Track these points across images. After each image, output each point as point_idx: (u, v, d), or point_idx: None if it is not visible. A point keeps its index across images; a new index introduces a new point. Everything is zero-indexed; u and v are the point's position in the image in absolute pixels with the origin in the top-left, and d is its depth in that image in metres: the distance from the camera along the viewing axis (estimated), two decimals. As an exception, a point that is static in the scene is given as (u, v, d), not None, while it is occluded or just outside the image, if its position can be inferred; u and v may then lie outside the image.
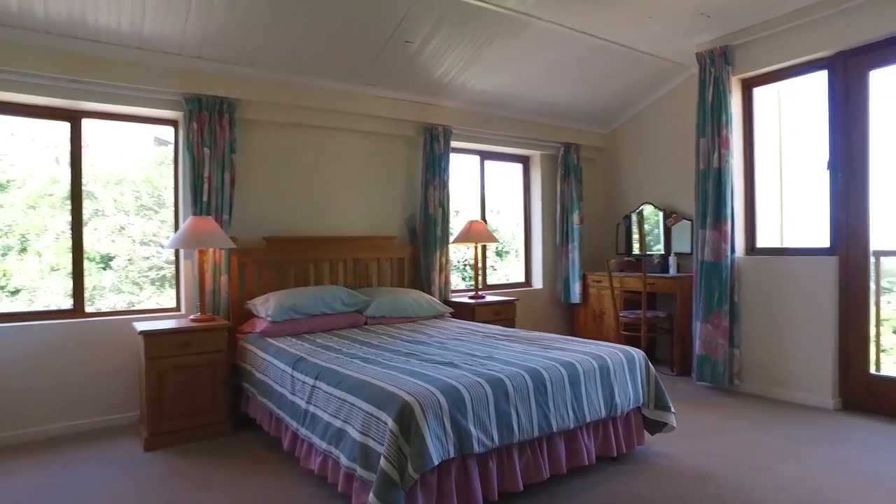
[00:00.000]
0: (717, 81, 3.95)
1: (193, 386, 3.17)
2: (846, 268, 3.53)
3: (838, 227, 3.59)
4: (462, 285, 5.49)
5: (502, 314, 4.54)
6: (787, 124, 4.17)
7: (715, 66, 3.96)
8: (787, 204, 4.17)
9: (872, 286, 3.49)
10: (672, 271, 4.77)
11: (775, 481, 2.52)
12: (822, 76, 3.69)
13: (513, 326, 4.55)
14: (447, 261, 4.63)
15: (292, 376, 2.77)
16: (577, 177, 5.34)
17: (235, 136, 3.65)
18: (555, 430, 2.45)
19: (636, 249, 5.31)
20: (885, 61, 3.41)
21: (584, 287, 5.35)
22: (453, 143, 4.67)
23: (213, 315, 3.47)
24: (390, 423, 2.03)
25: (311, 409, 2.53)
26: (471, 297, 4.60)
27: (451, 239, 4.70)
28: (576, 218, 5.32)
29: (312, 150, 4.16)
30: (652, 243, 5.18)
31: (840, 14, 3.46)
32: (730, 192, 3.92)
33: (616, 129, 5.59)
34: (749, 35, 3.86)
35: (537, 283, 5.51)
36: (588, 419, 2.58)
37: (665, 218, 4.99)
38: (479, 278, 4.79)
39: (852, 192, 3.51)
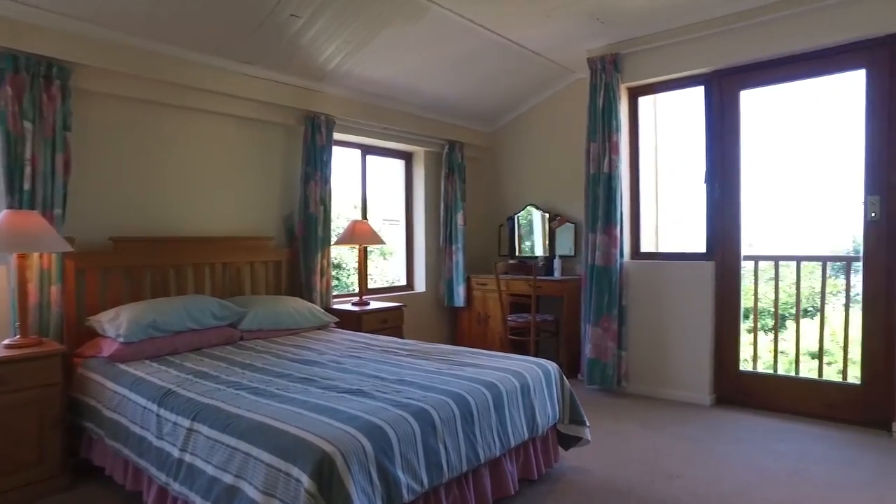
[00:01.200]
0: (608, 88, 4.01)
1: (11, 435, 2.42)
2: (721, 272, 3.77)
3: (714, 234, 3.82)
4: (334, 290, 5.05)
5: (389, 322, 4.22)
6: (666, 134, 4.38)
7: (605, 72, 4.01)
8: (667, 210, 4.39)
9: (746, 284, 3.77)
10: (557, 274, 4.81)
11: (686, 486, 2.54)
12: (699, 92, 3.90)
13: (401, 334, 4.25)
14: (329, 264, 4.18)
15: (158, 415, 2.20)
16: (460, 176, 5.18)
17: (70, 110, 2.87)
18: (482, 460, 2.20)
19: (520, 251, 5.30)
20: (754, 83, 3.69)
21: (469, 290, 5.22)
22: (335, 135, 4.23)
23: (39, 338, 2.69)
24: (305, 480, 1.62)
25: (188, 458, 2.01)
26: (354, 304, 4.22)
27: (334, 240, 4.27)
28: (459, 218, 5.15)
29: (174, 134, 3.47)
30: (535, 246, 5.20)
31: (716, 35, 3.66)
32: (619, 196, 4.00)
33: (500, 129, 5.53)
34: (637, 45, 3.96)
35: (420, 286, 5.26)
36: (512, 443, 2.38)
37: (549, 220, 5.03)
38: (363, 283, 4.41)
39: (726, 202, 3.75)
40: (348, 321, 3.99)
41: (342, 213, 5.10)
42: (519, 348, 4.93)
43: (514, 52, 4.16)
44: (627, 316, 4.06)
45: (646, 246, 4.28)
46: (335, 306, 4.18)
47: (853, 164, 3.35)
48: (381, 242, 4.33)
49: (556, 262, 4.84)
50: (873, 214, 3.22)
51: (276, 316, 3.45)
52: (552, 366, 2.77)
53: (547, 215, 5.06)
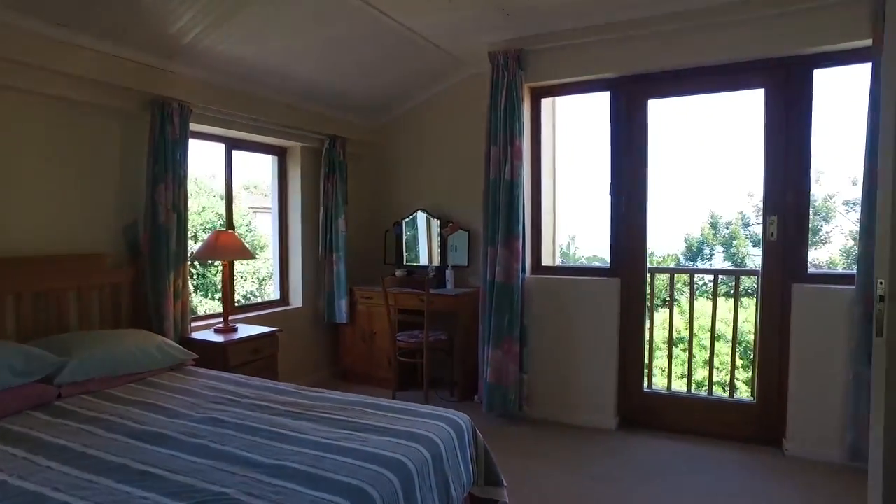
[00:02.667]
0: (511, 86, 3.64)
1: None
2: (627, 288, 3.60)
3: (619, 248, 3.64)
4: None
5: (262, 351, 3.54)
6: (568, 140, 4.13)
7: (508, 69, 3.64)
8: (570, 222, 4.16)
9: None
10: (450, 286, 4.42)
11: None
12: (605, 98, 3.67)
13: (276, 366, 3.60)
14: (186, 284, 3.40)
15: None
16: (342, 175, 4.56)
17: None
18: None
19: (409, 261, 4.83)
20: (662, 93, 3.53)
21: (352, 304, 4.65)
22: (193, 126, 3.42)
23: None
24: None
25: None
26: (218, 330, 3.49)
27: (191, 255, 3.49)
28: (341, 223, 4.55)
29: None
30: (425, 255, 4.76)
31: (624, 41, 3.43)
32: (522, 206, 3.67)
33: (387, 124, 4.98)
34: (543, 42, 3.62)
35: (296, 300, 4.60)
36: (423, 537, 1.91)
37: (441, 227, 4.61)
38: (228, 304, 3.67)
39: (632, 215, 3.58)
40: (211, 355, 3.26)
41: (205, 221, 4.27)
42: (409, 372, 4.49)
43: (405, 37, 3.63)
44: (529, 336, 3.77)
45: (547, 259, 4.03)
46: (195, 335, 3.42)
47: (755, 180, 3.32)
48: (251, 257, 3.63)
49: (449, 274, 4.44)
50: (772, 235, 3.20)
51: (111, 359, 2.66)
52: (464, 420, 2.34)
53: (438, 221, 4.63)
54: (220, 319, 3.65)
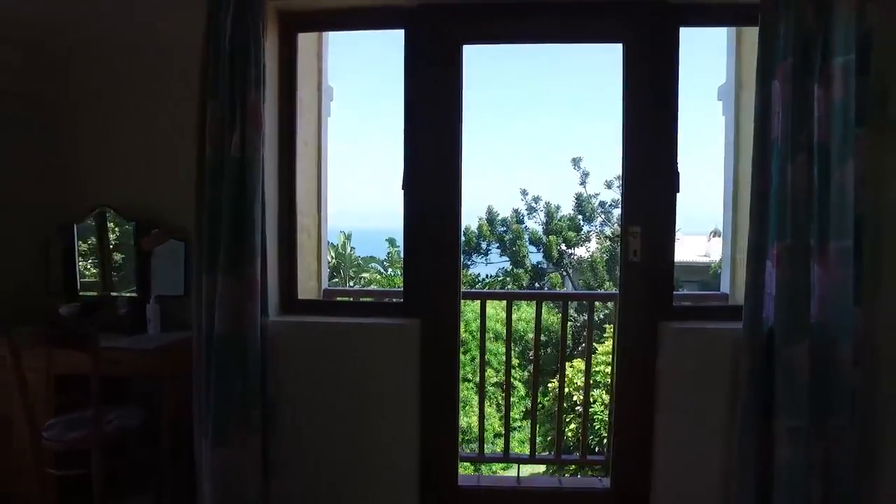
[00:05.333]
0: (242, 10, 2.11)
1: None
2: (432, 330, 2.34)
3: (419, 273, 2.37)
4: None
5: None
6: (346, 99, 2.75)
7: (236, -27, 2.11)
8: (347, 214, 2.77)
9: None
10: (153, 329, 2.69)
11: None
12: (399, 38, 2.37)
13: None
14: None
15: None
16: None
17: None
18: None
19: (83, 288, 2.95)
20: (481, 36, 2.36)
21: (-31, 368, 2.62)
22: None
23: None
24: None
25: None
26: None
27: None
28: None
29: None
30: (112, 279, 2.94)
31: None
32: (260, 205, 2.18)
33: (51, 64, 2.96)
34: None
35: None
36: None
37: (138, 234, 2.83)
38: None
39: (438, 222, 2.34)
40: None
41: None
42: (75, 496, 2.63)
43: None
44: (278, 419, 2.29)
45: (308, 286, 2.60)
46: None
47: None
48: None
49: (152, 311, 2.70)
50: (634, 254, 2.23)
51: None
52: None
53: (135, 224, 2.85)
54: None
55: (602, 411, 5.93)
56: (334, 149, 2.96)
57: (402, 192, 2.35)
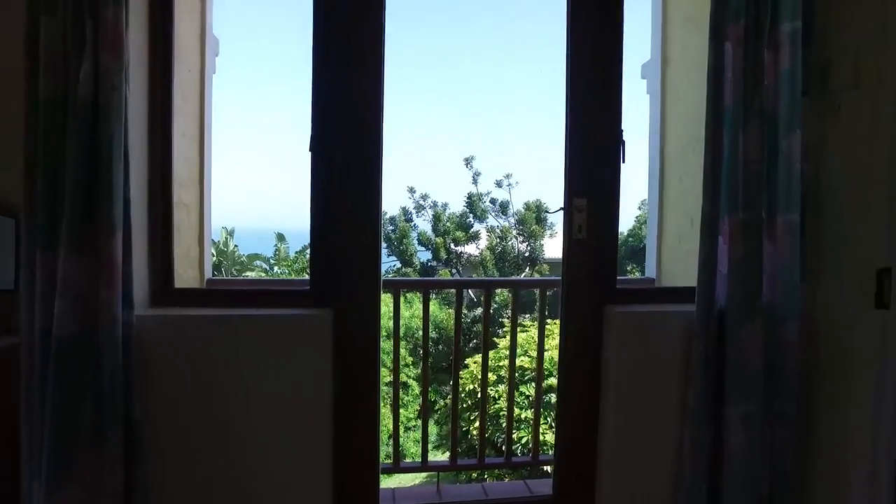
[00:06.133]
0: None
1: None
2: (347, 324, 1.94)
3: (329, 254, 1.95)
4: None
5: None
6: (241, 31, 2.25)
7: None
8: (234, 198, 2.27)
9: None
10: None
11: None
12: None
13: None
14: None
15: None
16: None
17: None
18: None
19: None
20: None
21: None
22: None
23: None
24: None
25: None
26: None
27: None
28: None
29: None
30: None
31: None
32: (122, 165, 1.64)
33: None
34: None
35: None
36: None
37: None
38: None
39: (356, 190, 1.95)
40: None
41: None
42: None
43: None
44: (146, 444, 1.76)
45: (187, 274, 2.08)
46: None
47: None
48: None
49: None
50: (579, 231, 2.00)
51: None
52: None
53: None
54: None
55: (506, 408, 5.79)
56: (221, 122, 2.45)
57: (309, 154, 1.93)
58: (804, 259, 1.91)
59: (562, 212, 2.01)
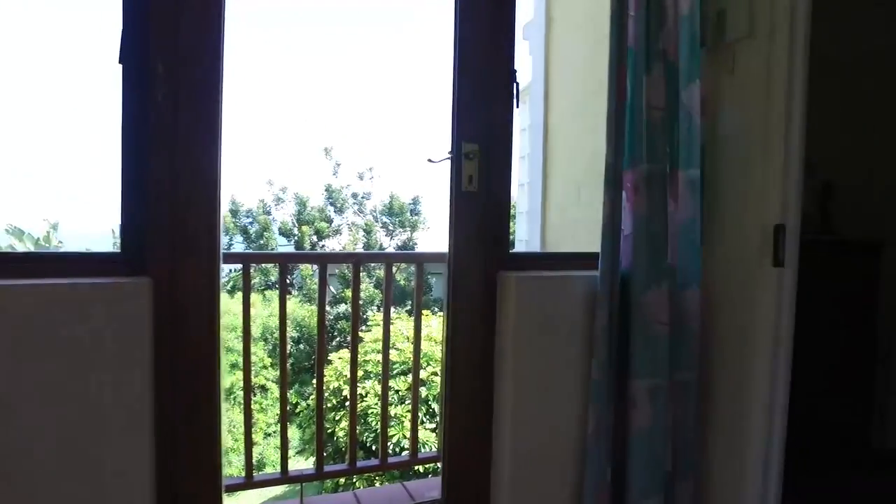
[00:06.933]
0: None
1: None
2: (174, 299, 1.44)
3: (150, 210, 1.44)
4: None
5: None
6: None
7: None
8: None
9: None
10: None
11: None
12: None
13: None
14: None
15: None
16: None
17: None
18: None
19: None
20: None
21: None
22: None
23: None
24: None
25: None
26: None
27: None
28: None
29: None
30: None
31: None
32: None
33: None
34: None
35: None
36: None
37: None
38: None
39: (186, 131, 1.45)
40: None
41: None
42: None
43: None
44: None
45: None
46: None
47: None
48: None
49: None
50: (470, 181, 1.69)
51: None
52: None
53: None
54: None
55: (377, 405, 5.43)
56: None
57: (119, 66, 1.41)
58: (703, 219, 1.79)
59: (448, 161, 1.70)
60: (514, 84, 1.75)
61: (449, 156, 1.68)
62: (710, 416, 1.89)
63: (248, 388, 2.37)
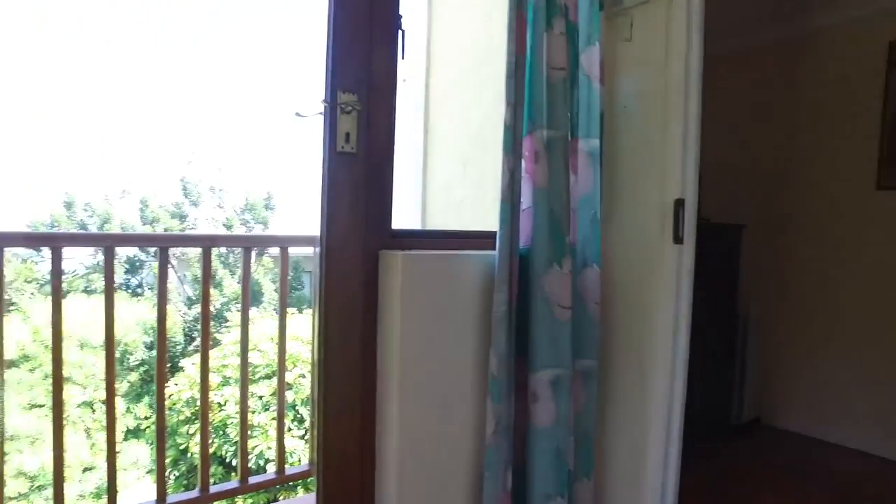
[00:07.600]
0: None
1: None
2: None
3: None
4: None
5: None
6: None
7: None
8: None
9: None
10: None
11: None
12: None
13: None
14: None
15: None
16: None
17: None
18: None
19: None
20: None
21: None
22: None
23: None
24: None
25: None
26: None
27: None
28: None
29: None
30: None
31: None
32: None
33: None
34: None
35: None
36: None
37: None
38: None
39: None
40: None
41: None
42: None
43: None
44: None
45: None
46: None
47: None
48: None
49: None
50: (347, 140, 1.38)
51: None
52: None
53: None
54: None
55: (237, 413, 4.86)
56: None
57: None
58: (603, 193, 1.65)
59: (321, 116, 1.38)
60: (400, 30, 1.48)
61: (324, 103, 1.36)
62: (608, 406, 1.78)
63: (59, 402, 1.85)
